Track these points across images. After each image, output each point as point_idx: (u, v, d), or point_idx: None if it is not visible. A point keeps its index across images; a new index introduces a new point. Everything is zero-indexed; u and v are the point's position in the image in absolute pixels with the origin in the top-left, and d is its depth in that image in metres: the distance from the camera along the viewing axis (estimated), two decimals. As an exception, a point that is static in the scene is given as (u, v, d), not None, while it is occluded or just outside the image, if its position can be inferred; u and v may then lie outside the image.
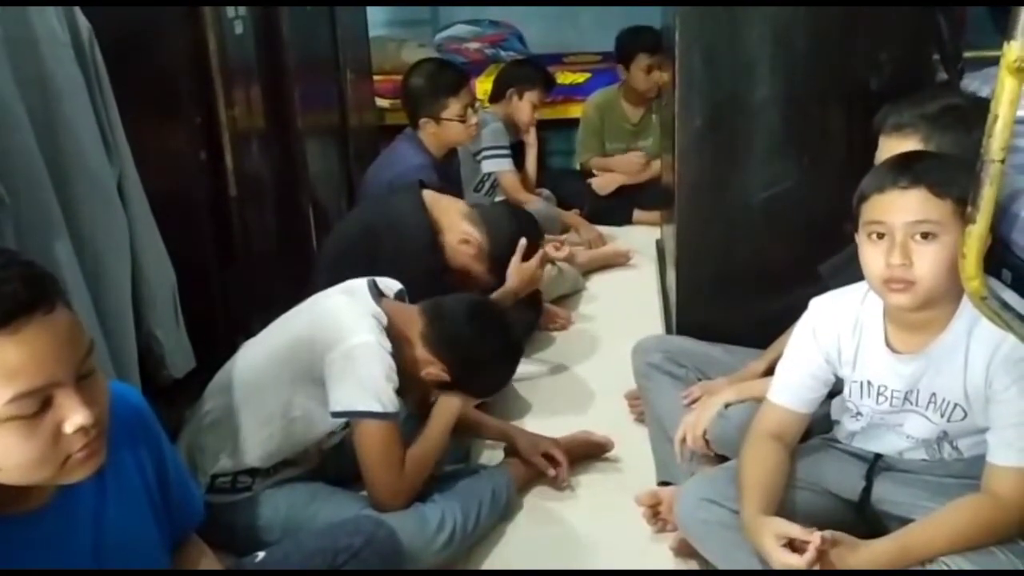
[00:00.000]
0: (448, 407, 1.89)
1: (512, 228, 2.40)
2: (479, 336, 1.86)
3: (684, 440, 1.84)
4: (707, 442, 1.83)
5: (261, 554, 1.47)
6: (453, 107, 2.85)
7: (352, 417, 1.74)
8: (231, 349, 1.93)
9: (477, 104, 3.07)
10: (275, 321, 1.89)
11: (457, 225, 2.35)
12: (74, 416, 0.90)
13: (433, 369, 1.83)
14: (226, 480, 1.80)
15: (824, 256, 1.82)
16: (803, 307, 1.62)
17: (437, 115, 2.86)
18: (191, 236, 2.08)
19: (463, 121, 2.88)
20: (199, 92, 2.14)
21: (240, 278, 2.27)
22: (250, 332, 1.94)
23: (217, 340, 2.03)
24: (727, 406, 1.83)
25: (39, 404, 0.89)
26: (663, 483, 1.96)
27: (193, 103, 2.13)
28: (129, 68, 1.75)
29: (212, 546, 1.36)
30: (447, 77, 2.91)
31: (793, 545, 1.37)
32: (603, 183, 3.93)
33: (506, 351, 1.93)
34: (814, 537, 1.34)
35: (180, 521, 1.24)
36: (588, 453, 2.17)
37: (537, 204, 3.58)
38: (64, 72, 1.51)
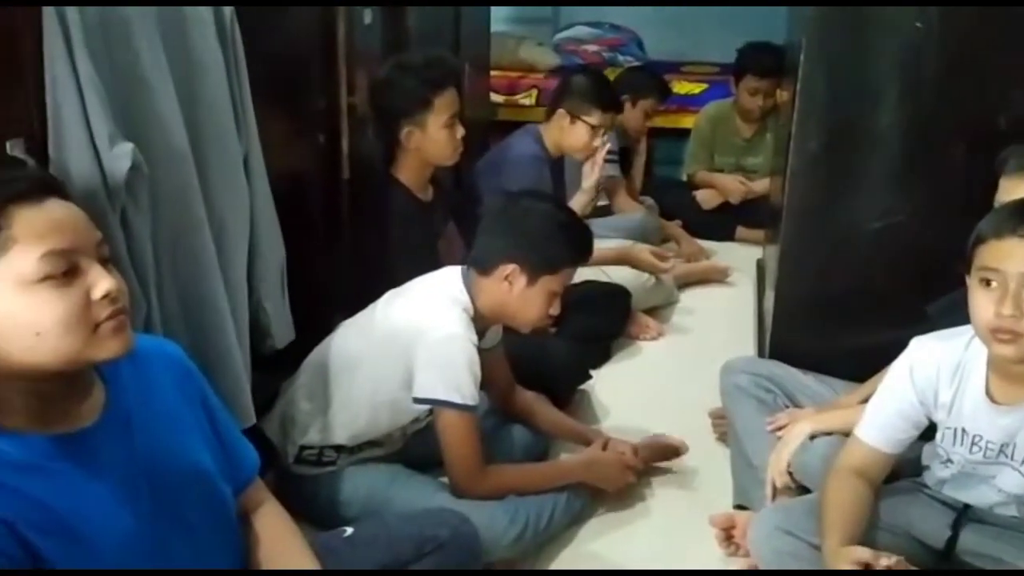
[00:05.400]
0: (570, 468, 2.01)
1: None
2: (522, 213, 1.86)
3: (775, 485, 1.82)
4: (790, 473, 1.80)
5: (349, 529, 1.51)
6: (595, 117, 2.89)
7: (432, 404, 1.79)
8: (330, 326, 2.01)
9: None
10: (371, 304, 1.95)
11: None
12: (101, 282, 1.00)
13: (508, 272, 1.81)
14: (313, 452, 1.87)
15: (930, 295, 1.77)
16: (903, 344, 1.58)
17: (577, 115, 2.89)
18: (302, 214, 2.15)
19: (593, 134, 2.89)
20: (325, 77, 2.22)
21: (345, 258, 2.34)
22: (349, 311, 2.00)
23: (317, 316, 2.10)
24: (812, 437, 1.80)
25: (67, 266, 0.99)
26: (739, 506, 1.95)
27: (319, 88, 2.20)
28: (262, 50, 1.83)
29: (293, 514, 1.40)
30: (606, 94, 2.97)
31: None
32: (708, 197, 3.89)
33: (554, 208, 1.91)
34: (882, 559, 1.34)
35: (239, 467, 1.29)
36: (663, 456, 2.17)
37: (640, 212, 3.58)
38: (207, 50, 1.60)
